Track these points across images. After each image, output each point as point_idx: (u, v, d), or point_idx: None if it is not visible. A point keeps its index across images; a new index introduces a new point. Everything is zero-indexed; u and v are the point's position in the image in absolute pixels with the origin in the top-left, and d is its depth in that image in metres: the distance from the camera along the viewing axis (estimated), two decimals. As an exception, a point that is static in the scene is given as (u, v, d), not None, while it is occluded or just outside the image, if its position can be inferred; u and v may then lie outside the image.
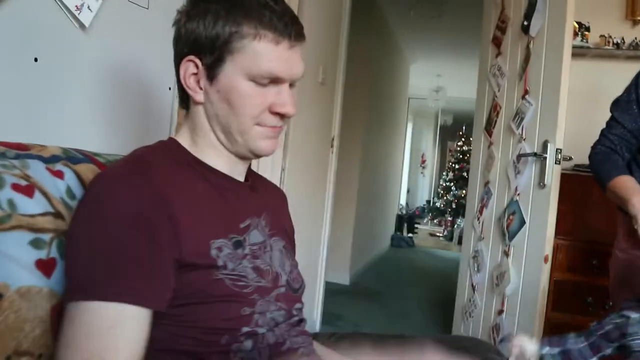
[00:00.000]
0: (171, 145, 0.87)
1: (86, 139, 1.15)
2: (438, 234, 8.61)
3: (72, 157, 0.91)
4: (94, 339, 0.65)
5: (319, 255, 3.19)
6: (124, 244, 0.69)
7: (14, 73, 1.00)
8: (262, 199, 0.94)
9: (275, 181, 2.39)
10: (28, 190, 0.77)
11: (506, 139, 2.52)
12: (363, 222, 5.05)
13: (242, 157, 0.89)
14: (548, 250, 2.13)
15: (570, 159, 2.21)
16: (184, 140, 0.88)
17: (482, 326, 2.60)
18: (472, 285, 2.76)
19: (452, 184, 9.06)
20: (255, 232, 0.87)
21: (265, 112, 0.83)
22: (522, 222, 2.28)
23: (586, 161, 1.87)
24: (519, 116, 2.36)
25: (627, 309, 1.19)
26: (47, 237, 0.76)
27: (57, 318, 0.74)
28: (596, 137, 1.80)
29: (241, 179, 0.92)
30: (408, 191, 10.45)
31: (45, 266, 0.75)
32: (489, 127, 2.70)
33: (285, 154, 2.44)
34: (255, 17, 0.79)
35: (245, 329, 0.77)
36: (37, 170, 0.81)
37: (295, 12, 2.33)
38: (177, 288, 0.73)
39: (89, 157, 0.95)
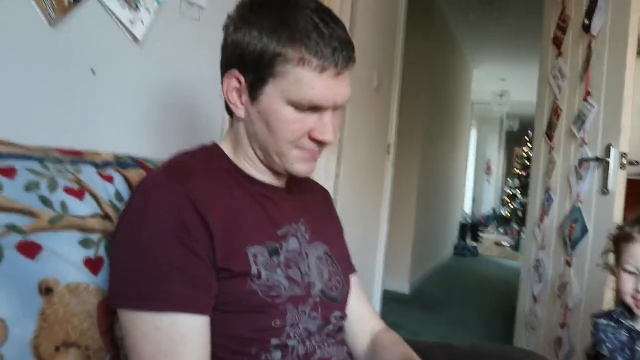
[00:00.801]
0: (213, 151, 0.89)
1: (140, 146, 1.21)
2: (504, 243, 8.33)
3: (123, 163, 0.97)
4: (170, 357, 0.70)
5: (375, 264, 3.18)
6: (170, 256, 0.72)
7: (73, 84, 1.07)
8: (301, 203, 0.94)
9: (329, 188, 2.41)
10: (79, 193, 0.83)
11: (567, 144, 2.42)
12: (423, 231, 4.97)
13: (279, 174, 0.89)
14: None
15: (637, 163, 2.09)
16: (226, 147, 0.89)
17: (544, 339, 2.49)
18: (534, 296, 2.66)
19: (517, 191, 8.75)
20: (293, 240, 0.86)
21: (305, 137, 0.81)
22: (585, 231, 2.17)
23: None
24: (580, 119, 2.26)
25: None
26: (95, 237, 0.82)
27: (104, 313, 0.79)
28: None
29: (280, 185, 0.91)
30: (473, 199, 10.18)
31: (93, 265, 0.80)
32: (550, 132, 2.60)
33: (340, 161, 2.45)
34: (301, 41, 0.75)
35: (274, 341, 0.78)
36: (89, 175, 0.87)
37: (348, 17, 2.39)
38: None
39: (139, 163, 1.00)
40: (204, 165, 0.84)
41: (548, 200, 2.58)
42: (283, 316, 0.79)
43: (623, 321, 1.14)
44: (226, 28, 0.83)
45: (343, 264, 0.97)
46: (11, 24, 0.94)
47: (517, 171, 9.18)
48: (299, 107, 0.78)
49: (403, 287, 4.55)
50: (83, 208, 0.82)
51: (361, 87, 2.61)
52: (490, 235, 9.02)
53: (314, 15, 0.76)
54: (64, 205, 0.79)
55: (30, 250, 0.71)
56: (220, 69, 0.85)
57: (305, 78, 0.76)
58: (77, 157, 0.89)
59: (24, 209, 0.73)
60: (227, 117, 0.92)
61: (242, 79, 0.81)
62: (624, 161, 2.00)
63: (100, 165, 0.91)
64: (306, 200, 0.97)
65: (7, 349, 0.66)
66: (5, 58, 0.94)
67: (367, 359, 0.99)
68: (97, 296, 0.79)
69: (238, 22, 0.80)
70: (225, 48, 0.83)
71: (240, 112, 0.83)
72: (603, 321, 1.17)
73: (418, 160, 4.62)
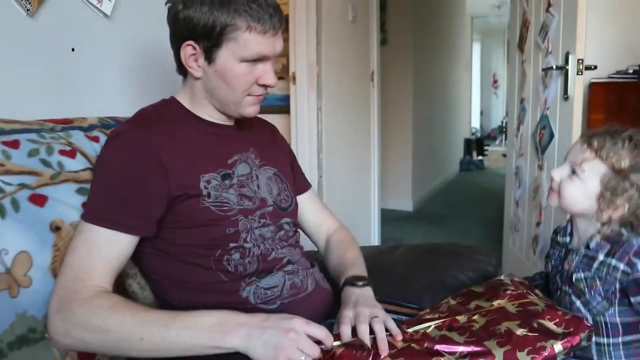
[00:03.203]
0: (171, 103, 1.09)
1: (120, 108, 1.41)
2: (512, 154, 8.43)
3: (106, 124, 1.17)
4: (87, 254, 0.90)
5: (371, 184, 3.39)
6: (115, 186, 0.94)
7: (58, 63, 1.26)
8: (250, 137, 1.15)
9: (312, 121, 2.59)
10: (71, 153, 1.04)
11: (535, 54, 2.53)
12: (423, 150, 5.13)
13: (231, 117, 1.10)
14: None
15: (595, 68, 2.21)
16: (183, 99, 1.09)
17: (525, 238, 2.73)
18: (515, 200, 2.87)
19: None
20: (243, 165, 1.08)
21: (254, 85, 1.03)
22: (552, 135, 2.34)
23: (621, 67, 1.84)
24: (544, 30, 2.37)
25: None
26: (88, 186, 1.03)
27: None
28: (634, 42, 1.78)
29: (230, 123, 1.12)
30: (481, 113, 10.21)
31: (90, 207, 1.02)
32: (522, 44, 2.71)
33: (320, 94, 2.61)
34: (245, 12, 0.94)
35: (232, 245, 1.00)
36: (78, 138, 1.08)
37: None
38: (172, 216, 0.97)
39: (119, 122, 1.21)
40: (162, 114, 1.04)
41: (522, 110, 2.73)
42: (235, 225, 1.00)
43: (558, 237, 1.03)
44: (173, 5, 0.99)
45: (291, 183, 1.20)
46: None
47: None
48: (249, 60, 0.99)
49: (406, 205, 4.79)
50: (75, 164, 1.03)
51: (335, 20, 2.72)
52: (497, 148, 9.14)
53: None
54: (60, 164, 1.01)
55: (39, 200, 0.94)
56: (170, 41, 1.03)
57: (253, 40, 0.97)
58: (67, 124, 1.10)
59: (30, 170, 0.95)
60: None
61: (197, 46, 0.99)
62: (581, 67, 2.14)
63: (87, 129, 1.12)
64: (254, 134, 1.18)
65: (34, 273, 0.90)
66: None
67: (326, 258, 1.24)
68: (96, 230, 1.01)
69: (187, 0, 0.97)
70: (176, 22, 0.99)
71: (197, 73, 1.03)
72: (554, 235, 1.06)
73: (409, 83, 4.69)
